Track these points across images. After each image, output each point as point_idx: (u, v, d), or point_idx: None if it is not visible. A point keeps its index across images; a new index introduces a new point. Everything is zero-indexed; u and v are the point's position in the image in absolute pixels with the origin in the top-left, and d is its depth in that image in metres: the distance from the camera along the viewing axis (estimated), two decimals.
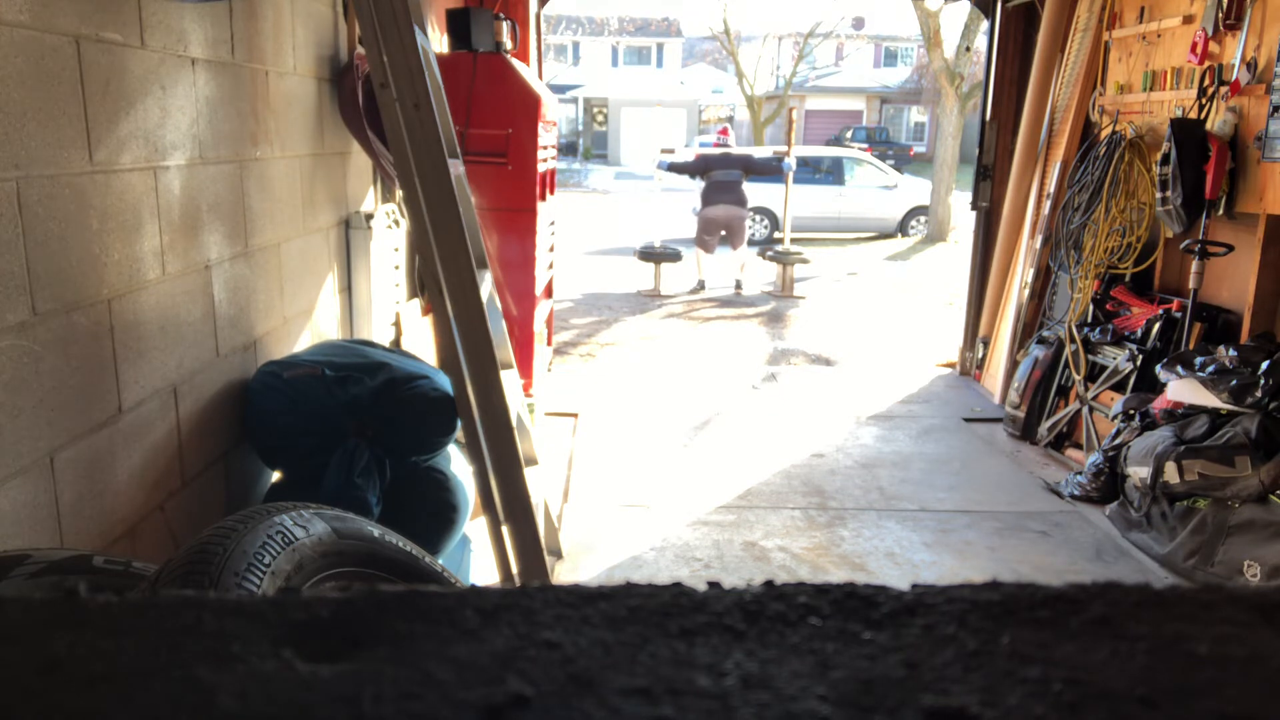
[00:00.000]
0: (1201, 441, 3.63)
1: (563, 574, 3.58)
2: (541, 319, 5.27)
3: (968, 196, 7.11)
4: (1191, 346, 4.25)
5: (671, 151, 10.81)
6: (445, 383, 2.75)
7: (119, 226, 2.04)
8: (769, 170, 10.34)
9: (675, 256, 10.06)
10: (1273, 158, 3.81)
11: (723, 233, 9.91)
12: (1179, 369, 3.82)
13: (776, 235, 12.18)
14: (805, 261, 10.38)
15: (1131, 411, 4.28)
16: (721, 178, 9.78)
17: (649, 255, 10.06)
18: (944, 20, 15.20)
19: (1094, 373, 4.96)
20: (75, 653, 0.39)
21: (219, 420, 2.59)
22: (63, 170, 1.83)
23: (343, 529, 1.81)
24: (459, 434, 2.80)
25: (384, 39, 2.55)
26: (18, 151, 1.69)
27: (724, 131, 10.75)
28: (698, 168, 10.07)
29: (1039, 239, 5.69)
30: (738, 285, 10.04)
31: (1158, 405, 4.03)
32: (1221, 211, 4.17)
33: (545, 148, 4.79)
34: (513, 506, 2.78)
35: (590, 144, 33.73)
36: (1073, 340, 5.02)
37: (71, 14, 1.86)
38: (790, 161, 10.10)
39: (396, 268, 4.11)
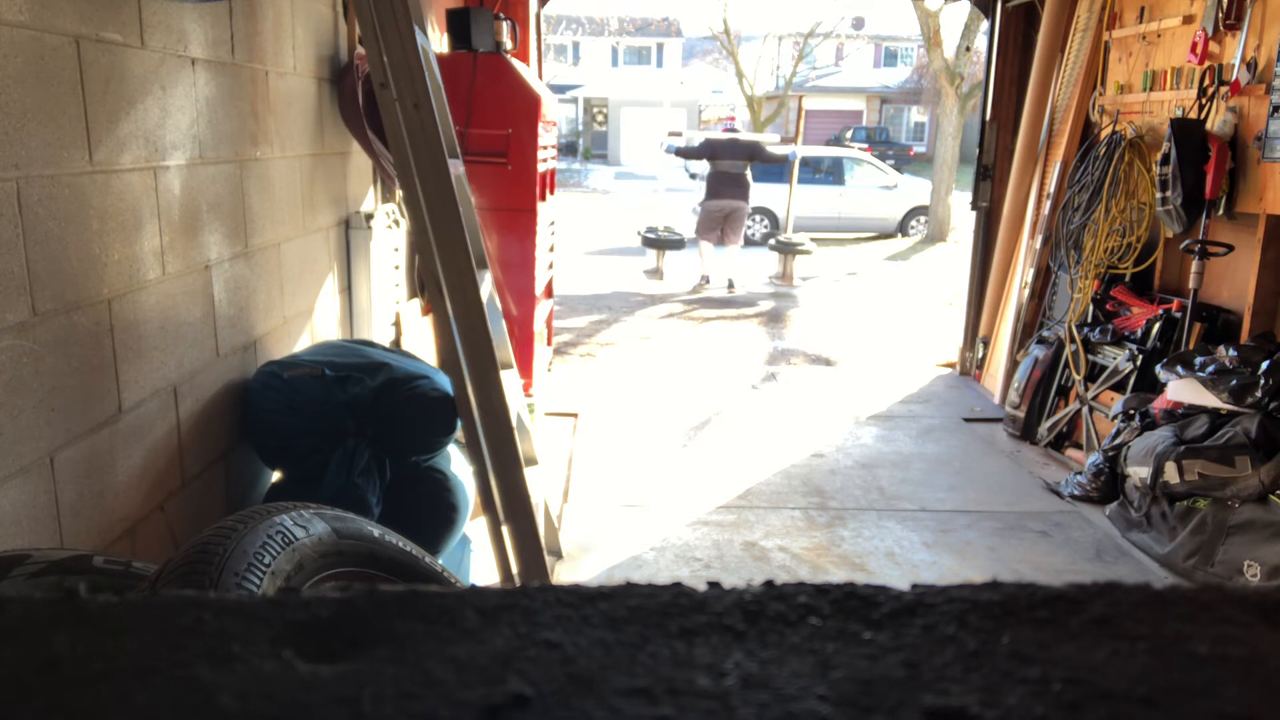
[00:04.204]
0: (1201, 441, 3.62)
1: (563, 574, 3.58)
2: (541, 319, 5.27)
3: (968, 196, 7.11)
4: (1191, 346, 4.25)
5: (679, 135, 10.92)
6: (445, 383, 2.75)
7: (119, 226, 2.04)
8: (775, 160, 10.44)
9: (679, 243, 10.34)
10: (1273, 158, 3.81)
11: (719, 231, 9.95)
12: (1179, 369, 3.82)
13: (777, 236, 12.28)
14: (807, 252, 10.51)
15: (1131, 411, 4.28)
16: (727, 168, 9.79)
17: (653, 241, 10.33)
18: (944, 20, 15.22)
19: (1094, 373, 4.96)
20: (75, 653, 0.39)
21: (219, 420, 2.59)
22: (63, 170, 1.83)
23: (343, 529, 1.81)
24: (459, 434, 2.80)
25: (384, 39, 2.55)
26: (18, 151, 1.69)
27: (731, 118, 10.92)
28: (704, 152, 10.11)
29: (1039, 239, 5.69)
30: (730, 284, 10.06)
31: (1158, 405, 4.03)
32: (1221, 211, 4.17)
33: (545, 148, 4.79)
34: (513, 506, 2.78)
35: (590, 144, 33.71)
36: (1073, 340, 5.02)
37: (71, 14, 1.86)
38: (796, 150, 10.39)
39: (396, 268, 4.11)
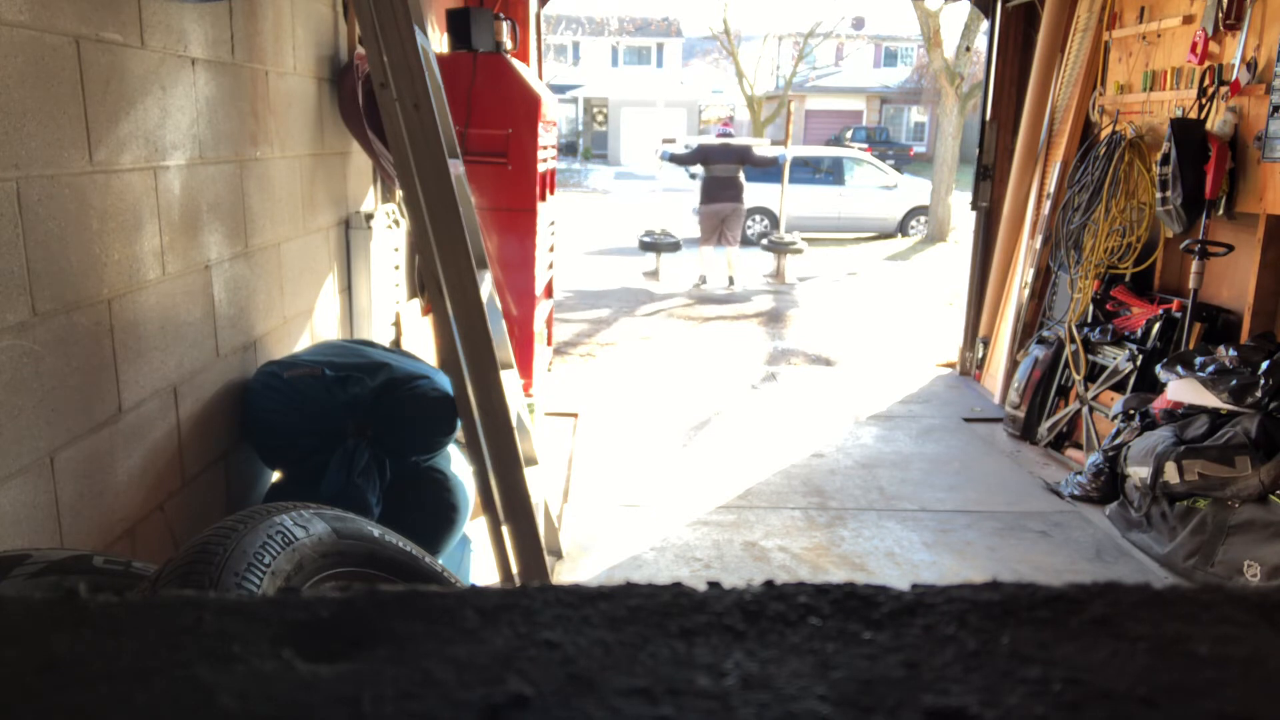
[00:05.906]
0: (1201, 441, 3.62)
1: (563, 574, 3.58)
2: (541, 319, 5.27)
3: (968, 196, 7.11)
4: (1191, 346, 4.25)
5: (673, 141, 11.25)
6: (445, 383, 2.75)
7: (119, 226, 2.04)
8: (765, 163, 10.66)
9: (675, 246, 10.71)
10: (1273, 158, 3.80)
11: (718, 233, 10.19)
12: (1179, 369, 3.82)
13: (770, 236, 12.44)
14: (799, 252, 10.76)
15: (1131, 411, 4.28)
16: (720, 173, 10.12)
17: (650, 245, 10.72)
18: (944, 20, 15.22)
19: (1094, 373, 4.96)
20: (75, 653, 0.39)
21: (219, 420, 2.59)
22: (63, 170, 1.83)
23: (343, 529, 1.81)
24: (459, 434, 2.79)
25: (384, 39, 2.55)
26: (18, 151, 1.69)
27: (727, 123, 11.25)
28: (697, 158, 10.43)
29: (1039, 239, 5.69)
30: (730, 281, 10.35)
31: (1158, 405, 4.03)
32: (1221, 211, 4.16)
33: (545, 148, 4.79)
34: (513, 506, 2.78)
35: (590, 144, 33.71)
36: (1073, 340, 5.02)
37: (71, 14, 1.86)
38: (785, 153, 10.75)
39: (396, 268, 4.11)
